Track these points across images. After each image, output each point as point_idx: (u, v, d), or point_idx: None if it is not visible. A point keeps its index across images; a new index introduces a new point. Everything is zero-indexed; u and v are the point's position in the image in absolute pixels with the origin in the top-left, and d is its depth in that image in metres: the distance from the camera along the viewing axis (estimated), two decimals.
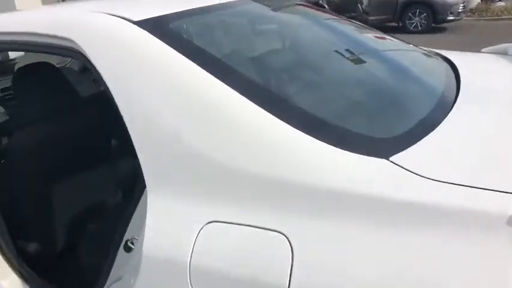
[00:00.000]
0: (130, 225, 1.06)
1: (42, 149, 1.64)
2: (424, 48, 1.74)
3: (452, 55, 1.63)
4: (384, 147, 0.84)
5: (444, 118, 0.97)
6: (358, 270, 0.72)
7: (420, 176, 0.76)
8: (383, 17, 9.72)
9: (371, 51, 1.47)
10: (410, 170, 0.77)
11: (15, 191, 1.68)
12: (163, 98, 0.94)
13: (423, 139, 0.88)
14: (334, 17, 1.79)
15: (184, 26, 1.14)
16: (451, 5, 9.21)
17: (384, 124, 1.00)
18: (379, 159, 0.80)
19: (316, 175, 0.80)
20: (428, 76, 1.35)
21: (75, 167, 1.73)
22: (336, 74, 1.25)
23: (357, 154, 0.81)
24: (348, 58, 1.31)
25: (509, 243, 0.66)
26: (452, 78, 1.30)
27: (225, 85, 0.91)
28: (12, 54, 3.05)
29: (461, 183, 0.73)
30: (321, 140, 0.83)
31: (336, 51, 1.35)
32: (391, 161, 0.79)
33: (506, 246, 0.66)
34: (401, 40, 1.71)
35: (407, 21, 9.59)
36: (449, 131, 0.93)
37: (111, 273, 1.12)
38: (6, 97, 2.51)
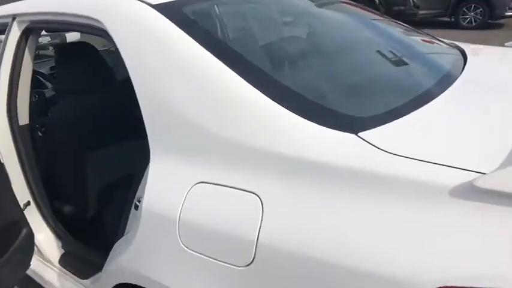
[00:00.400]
0: (140, 186, 1.20)
1: (78, 120, 1.84)
2: (441, 39, 1.74)
3: (469, 47, 1.63)
4: (356, 124, 0.91)
5: (429, 102, 1.02)
6: (315, 228, 0.81)
7: (380, 149, 0.82)
8: (434, 11, 9.35)
9: (367, 34, 1.52)
10: (374, 144, 0.84)
11: (53, 157, 1.89)
12: (169, 75, 1.06)
13: (401, 119, 0.93)
14: None
15: (196, 10, 1.26)
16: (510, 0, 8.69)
17: (363, 104, 1.06)
18: (348, 133, 0.87)
19: (290, 145, 0.89)
20: (426, 62, 1.38)
21: (105, 139, 1.91)
22: (324, 54, 1.32)
23: (328, 128, 0.88)
24: (337, 38, 1.37)
25: (447, 213, 0.72)
26: (456, 67, 1.32)
27: (222, 64, 1.01)
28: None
29: (416, 158, 0.79)
30: (298, 114, 0.91)
31: (327, 32, 1.41)
32: (359, 136, 0.86)
33: (445, 216, 0.72)
34: (413, 28, 1.73)
35: (460, 17, 9.15)
36: (429, 114, 0.98)
37: (125, 231, 1.27)
38: (54, 75, 2.78)
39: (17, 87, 1.63)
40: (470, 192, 0.72)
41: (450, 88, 1.11)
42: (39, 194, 1.80)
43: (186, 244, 0.98)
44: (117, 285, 1.26)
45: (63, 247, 1.84)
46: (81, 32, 1.43)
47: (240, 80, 0.97)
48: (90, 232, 1.91)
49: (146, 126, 1.09)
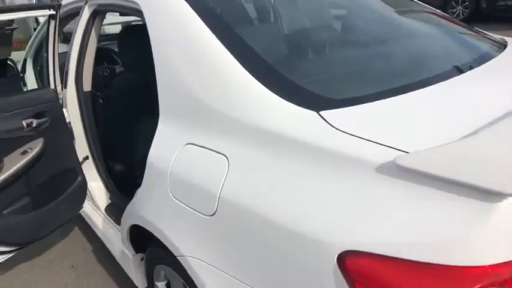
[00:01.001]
0: None
1: (130, 92, 2.13)
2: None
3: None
4: (321, 103, 1.00)
5: (416, 90, 1.06)
6: (264, 189, 0.94)
7: (333, 126, 0.91)
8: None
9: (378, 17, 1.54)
10: (329, 121, 0.93)
11: (109, 122, 2.21)
12: (179, 55, 1.23)
13: (366, 104, 1.00)
14: None
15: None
16: None
17: (333, 86, 1.14)
18: (310, 110, 0.97)
19: (259, 117, 1.01)
20: (435, 51, 1.38)
21: (151, 110, 2.18)
22: (310, 33, 1.39)
23: (294, 104, 0.99)
24: (319, 19, 1.43)
25: (369, 185, 0.80)
26: (475, 60, 1.31)
27: (222, 45, 1.16)
28: None
29: (359, 136, 0.87)
30: (272, 91, 1.03)
31: (311, 14, 1.48)
32: (319, 114, 0.96)
33: (367, 187, 0.80)
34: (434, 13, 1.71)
35: (449, 10, 8.95)
36: (406, 102, 1.02)
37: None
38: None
39: (84, 60, 1.95)
40: (393, 168, 0.78)
41: (441, 83, 1.13)
42: (96, 152, 2.13)
43: (173, 194, 1.17)
44: (133, 227, 1.49)
45: (110, 198, 2.17)
46: (129, 14, 1.68)
47: (232, 61, 1.10)
48: (133, 187, 2.21)
49: (159, 96, 1.29)
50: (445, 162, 0.72)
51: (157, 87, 1.29)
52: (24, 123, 1.69)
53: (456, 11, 9.25)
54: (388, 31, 1.51)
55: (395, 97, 1.04)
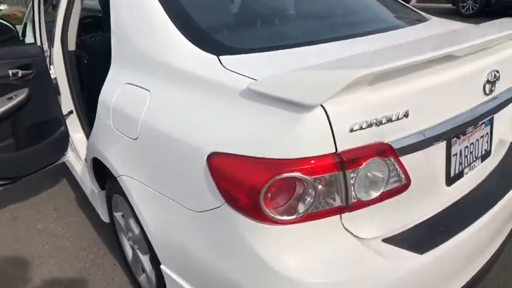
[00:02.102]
0: None
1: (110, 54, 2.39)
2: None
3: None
4: (224, 49, 1.22)
5: (297, 47, 1.27)
6: (172, 114, 1.18)
7: (226, 67, 1.14)
8: None
9: None
10: (223, 64, 1.16)
11: (91, 81, 2.47)
12: (127, 13, 1.48)
13: (261, 53, 1.22)
14: None
15: None
16: None
17: (238, 36, 1.37)
18: (211, 55, 1.20)
19: (175, 58, 1.25)
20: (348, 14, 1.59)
21: None
22: None
23: (200, 49, 1.22)
24: None
25: (235, 105, 1.03)
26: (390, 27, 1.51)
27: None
28: None
29: (240, 73, 1.09)
30: (186, 37, 1.26)
31: None
32: (218, 58, 1.19)
33: (234, 106, 1.03)
34: None
35: (460, 4, 9.12)
36: (283, 55, 1.23)
37: None
38: None
39: (69, 21, 2.21)
40: (248, 91, 1.01)
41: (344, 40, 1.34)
42: (79, 106, 2.41)
43: (114, 125, 1.43)
44: (95, 163, 1.76)
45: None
46: None
47: (161, 11, 1.33)
48: None
49: (112, 47, 1.54)
50: (274, 84, 0.95)
51: (111, 41, 1.54)
52: (10, 72, 1.96)
53: (466, 5, 9.25)
54: None
55: (278, 51, 1.25)
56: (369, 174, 0.99)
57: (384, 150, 0.98)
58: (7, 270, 2.08)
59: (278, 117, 0.93)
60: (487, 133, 1.40)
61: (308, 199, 0.94)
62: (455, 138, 1.23)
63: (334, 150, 0.92)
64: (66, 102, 2.40)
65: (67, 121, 2.34)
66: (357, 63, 1.00)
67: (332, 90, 0.84)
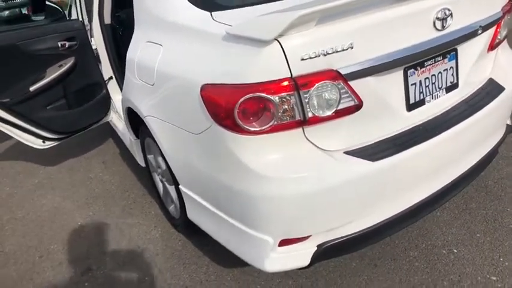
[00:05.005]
0: None
1: None
2: None
3: None
4: (214, 6, 1.52)
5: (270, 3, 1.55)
6: (178, 59, 1.51)
7: (215, 20, 1.44)
8: None
9: None
10: (214, 17, 1.46)
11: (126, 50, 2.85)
12: None
13: (244, 8, 1.51)
14: None
15: None
16: None
17: None
18: (205, 11, 1.50)
19: (179, 17, 1.57)
20: None
21: None
22: None
23: (197, 7, 1.53)
24: None
25: (218, 46, 1.33)
26: None
27: None
28: None
29: (223, 23, 1.38)
30: (189, 0, 1.57)
31: None
32: (211, 14, 1.49)
33: (217, 47, 1.34)
34: None
35: None
36: (261, 8, 1.50)
37: None
38: None
39: None
40: (227, 35, 1.30)
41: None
42: (118, 72, 2.81)
43: (138, 76, 1.79)
44: (129, 113, 2.15)
45: None
46: None
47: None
48: None
49: (134, 13, 1.89)
50: (243, 27, 1.24)
51: (133, 9, 1.89)
52: (59, 43, 2.38)
53: None
54: None
55: (258, 6, 1.53)
56: (322, 95, 1.26)
57: (332, 76, 1.25)
58: (65, 206, 2.57)
59: (246, 51, 1.22)
60: (452, 67, 1.59)
61: (272, 114, 1.24)
62: (412, 69, 1.45)
63: (290, 75, 1.20)
64: (107, 69, 2.81)
65: (108, 86, 2.76)
66: (305, 7, 1.25)
67: (280, 27, 1.12)
